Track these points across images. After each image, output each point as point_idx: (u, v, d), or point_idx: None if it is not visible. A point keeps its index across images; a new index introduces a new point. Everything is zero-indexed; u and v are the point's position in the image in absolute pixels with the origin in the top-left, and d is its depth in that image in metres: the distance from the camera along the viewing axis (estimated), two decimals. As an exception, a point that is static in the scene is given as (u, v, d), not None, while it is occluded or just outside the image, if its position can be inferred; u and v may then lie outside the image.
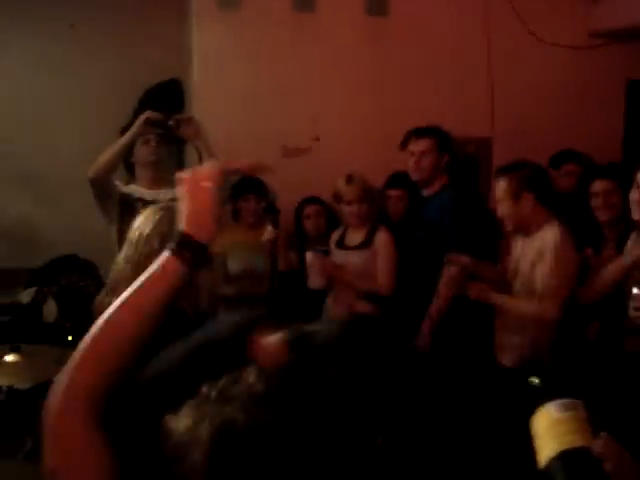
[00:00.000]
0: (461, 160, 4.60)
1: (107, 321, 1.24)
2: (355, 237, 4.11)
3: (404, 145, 4.07)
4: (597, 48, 5.36)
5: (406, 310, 3.91)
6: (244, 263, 4.12)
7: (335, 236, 4.23)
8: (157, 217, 2.57)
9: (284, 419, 1.00)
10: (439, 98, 4.96)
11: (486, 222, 3.87)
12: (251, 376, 1.04)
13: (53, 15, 5.13)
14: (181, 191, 1.34)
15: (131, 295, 1.28)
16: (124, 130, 4.99)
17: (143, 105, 5.14)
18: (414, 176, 4.02)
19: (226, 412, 1.00)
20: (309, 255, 3.88)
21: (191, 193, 1.33)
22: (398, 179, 4.40)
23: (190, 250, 1.31)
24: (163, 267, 1.30)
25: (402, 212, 4.38)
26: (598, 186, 3.62)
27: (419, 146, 3.92)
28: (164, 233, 2.49)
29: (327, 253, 4.00)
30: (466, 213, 3.83)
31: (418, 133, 3.98)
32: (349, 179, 3.99)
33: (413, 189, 4.31)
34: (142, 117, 3.82)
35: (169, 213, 2.59)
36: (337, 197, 4.08)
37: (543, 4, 5.19)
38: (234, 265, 4.14)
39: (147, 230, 2.53)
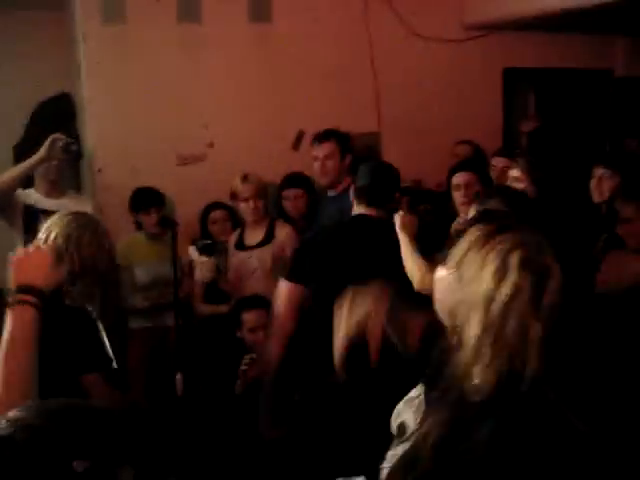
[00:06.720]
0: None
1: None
2: (254, 236, 4.18)
3: (295, 147, 4.18)
4: (473, 40, 5.61)
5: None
6: (152, 273, 4.20)
7: (233, 238, 4.27)
8: (64, 221, 2.74)
9: None
10: (327, 98, 5.10)
11: None
12: None
13: None
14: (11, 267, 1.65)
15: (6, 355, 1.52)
16: (17, 146, 5.00)
17: (35, 120, 5.13)
18: (321, 180, 4.10)
19: None
20: (191, 250, 3.90)
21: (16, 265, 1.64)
22: (293, 179, 4.48)
23: (34, 295, 1.55)
24: (22, 319, 1.52)
25: (303, 209, 4.41)
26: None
27: (322, 150, 3.98)
28: (69, 234, 2.65)
29: (211, 246, 3.99)
30: None
31: (320, 138, 4.03)
32: (244, 178, 4.13)
33: (310, 188, 4.44)
34: (48, 141, 3.78)
35: (74, 217, 2.76)
36: (233, 195, 4.20)
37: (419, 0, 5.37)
38: (143, 276, 4.22)
39: (55, 231, 2.68)
